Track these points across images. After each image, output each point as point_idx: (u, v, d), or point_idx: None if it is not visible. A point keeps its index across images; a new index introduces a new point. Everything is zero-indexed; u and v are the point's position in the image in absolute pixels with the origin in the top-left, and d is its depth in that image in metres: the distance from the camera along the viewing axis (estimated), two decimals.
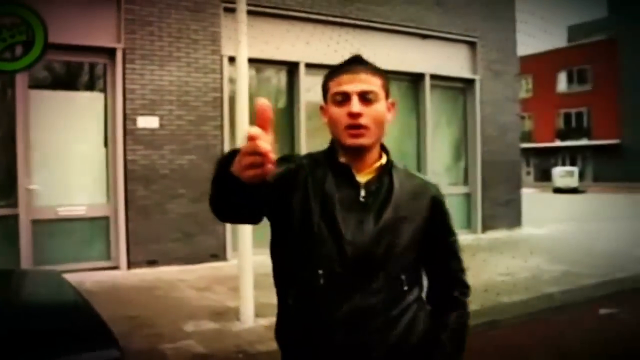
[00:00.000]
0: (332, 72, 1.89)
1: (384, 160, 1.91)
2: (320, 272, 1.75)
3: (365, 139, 1.81)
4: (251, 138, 1.28)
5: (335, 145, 1.89)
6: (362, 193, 1.82)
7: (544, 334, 6.04)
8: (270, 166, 1.30)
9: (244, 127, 5.76)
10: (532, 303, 6.89)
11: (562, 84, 45.80)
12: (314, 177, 1.84)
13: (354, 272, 1.75)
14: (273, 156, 1.29)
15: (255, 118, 1.30)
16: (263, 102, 1.30)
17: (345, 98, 1.80)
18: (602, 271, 8.27)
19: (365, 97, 1.80)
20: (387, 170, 1.89)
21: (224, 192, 1.53)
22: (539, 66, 45.52)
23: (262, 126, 1.29)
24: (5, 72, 6.76)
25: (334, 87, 1.84)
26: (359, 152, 1.85)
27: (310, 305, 1.78)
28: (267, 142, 1.28)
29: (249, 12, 6.19)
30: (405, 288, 1.83)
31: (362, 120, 1.79)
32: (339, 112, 1.81)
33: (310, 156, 1.96)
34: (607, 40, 42.77)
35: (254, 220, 1.77)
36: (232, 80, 8.68)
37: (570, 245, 10.87)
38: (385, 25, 10.68)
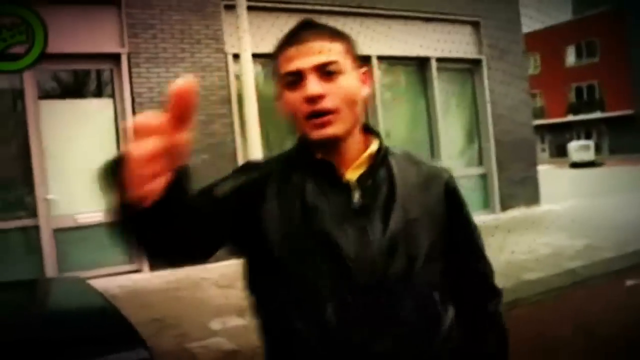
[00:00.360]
0: (277, 46, 1.44)
1: (374, 146, 1.46)
2: (329, 307, 1.31)
3: (335, 126, 1.35)
4: (137, 132, 0.85)
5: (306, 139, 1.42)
6: (356, 195, 1.38)
7: (570, 309, 6.03)
8: (152, 186, 0.89)
9: (254, 123, 5.78)
10: (556, 279, 6.87)
11: (570, 58, 45.39)
12: (289, 186, 1.40)
13: (370, 300, 1.32)
14: (159, 166, 0.87)
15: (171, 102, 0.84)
16: (186, 80, 0.84)
17: (298, 78, 1.35)
18: (625, 243, 8.22)
19: (325, 71, 1.35)
20: (381, 159, 1.45)
21: (127, 217, 1.06)
22: (546, 42, 45.13)
23: (177, 116, 0.86)
24: (5, 72, 6.79)
25: (283, 66, 1.38)
26: (334, 146, 1.39)
27: (323, 352, 1.32)
28: (161, 142, 0.85)
29: (250, 8, 6.21)
30: (440, 309, 1.42)
31: (327, 103, 1.33)
32: (294, 98, 1.36)
33: (280, 159, 1.50)
34: (614, 10, 42.30)
35: (199, 255, 1.35)
36: (238, 77, 8.69)
37: (591, 219, 10.81)
38: (387, 11, 10.63)
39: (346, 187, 1.39)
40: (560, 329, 5.42)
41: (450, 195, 1.49)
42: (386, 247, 1.34)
